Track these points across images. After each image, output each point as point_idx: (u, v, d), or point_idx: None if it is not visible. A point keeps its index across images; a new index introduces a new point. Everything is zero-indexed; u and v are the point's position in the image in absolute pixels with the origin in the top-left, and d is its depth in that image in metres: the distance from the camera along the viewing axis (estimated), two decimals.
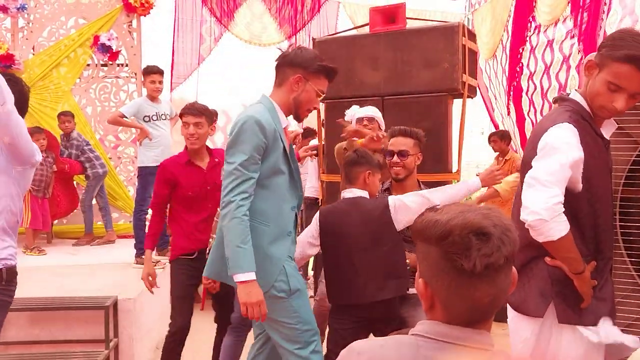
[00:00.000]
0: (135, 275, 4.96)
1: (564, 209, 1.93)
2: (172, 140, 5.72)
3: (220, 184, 2.94)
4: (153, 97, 5.46)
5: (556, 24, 6.20)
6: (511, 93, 7.24)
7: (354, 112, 4.05)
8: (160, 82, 5.47)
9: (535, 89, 6.69)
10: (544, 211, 1.90)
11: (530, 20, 6.76)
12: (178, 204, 3.57)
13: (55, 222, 6.74)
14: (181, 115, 3.58)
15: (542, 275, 2.11)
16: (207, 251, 3.44)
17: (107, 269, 5.23)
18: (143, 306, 4.46)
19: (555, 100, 2.22)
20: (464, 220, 1.11)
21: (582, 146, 2.00)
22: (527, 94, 6.90)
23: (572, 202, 2.03)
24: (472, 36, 4.76)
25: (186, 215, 3.56)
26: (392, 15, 4.76)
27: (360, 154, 3.06)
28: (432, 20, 5.37)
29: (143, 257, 5.29)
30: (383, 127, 3.99)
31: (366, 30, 5.04)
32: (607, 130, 2.15)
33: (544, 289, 2.11)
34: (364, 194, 2.99)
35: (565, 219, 1.92)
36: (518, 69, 7.04)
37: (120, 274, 5.00)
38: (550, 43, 6.34)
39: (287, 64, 2.66)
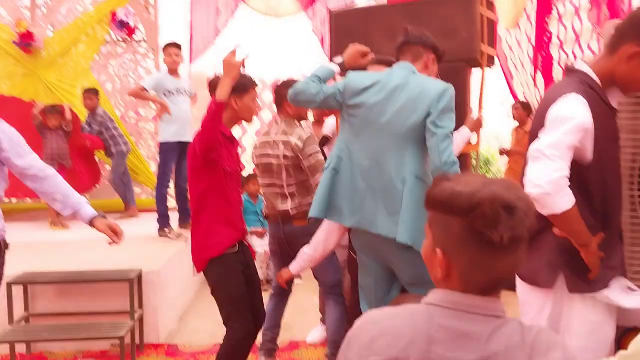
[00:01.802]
0: (159, 248, 5.06)
1: (571, 181, 1.92)
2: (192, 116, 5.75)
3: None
4: (173, 71, 5.47)
5: None
6: (539, 63, 7.10)
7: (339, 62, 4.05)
8: (178, 55, 5.43)
9: (568, 58, 6.56)
10: (547, 184, 1.88)
11: None
12: (215, 187, 3.07)
13: None
14: (249, 88, 3.16)
15: (550, 247, 2.11)
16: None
17: (130, 243, 5.25)
18: (167, 278, 4.55)
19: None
20: (492, 193, 1.12)
21: (592, 116, 1.97)
22: (559, 63, 6.76)
23: (582, 173, 2.02)
24: (490, 5, 4.69)
25: (223, 202, 3.08)
26: None
27: None
28: None
29: (166, 230, 5.41)
30: None
31: (384, 1, 5.00)
32: (612, 98, 2.11)
33: (553, 260, 2.11)
34: None
35: (570, 193, 1.91)
36: (546, 39, 6.89)
37: (144, 247, 5.09)
38: (577, 11, 6.21)
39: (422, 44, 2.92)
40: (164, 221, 5.47)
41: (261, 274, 5.65)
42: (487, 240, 1.11)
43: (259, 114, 8.03)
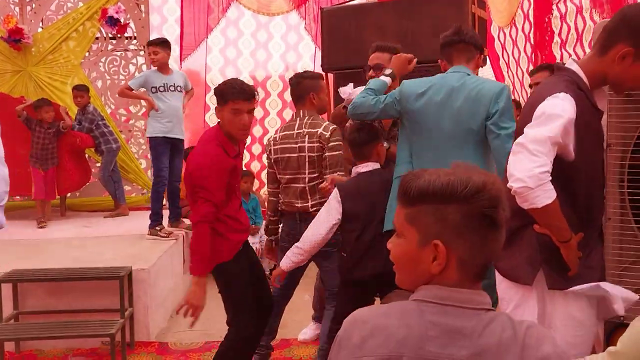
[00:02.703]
0: (149, 246, 5.05)
1: (555, 179, 1.93)
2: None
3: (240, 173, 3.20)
4: (161, 68, 5.43)
5: None
6: (539, 61, 7.09)
7: (349, 91, 4.06)
8: (155, 53, 5.36)
9: (570, 57, 6.55)
10: (529, 179, 1.90)
11: None
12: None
13: (69, 195, 6.83)
14: (228, 100, 2.93)
15: (530, 243, 2.13)
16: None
17: (120, 241, 5.31)
18: (157, 276, 4.54)
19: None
20: (484, 178, 1.17)
21: (578, 116, 1.99)
22: (562, 60, 6.75)
23: (567, 171, 2.03)
24: (481, 4, 4.71)
25: (224, 208, 3.01)
26: None
27: (365, 130, 3.13)
28: None
29: (157, 228, 5.38)
30: None
31: None
32: (598, 100, 2.13)
33: (533, 256, 2.12)
34: (377, 165, 3.12)
35: (552, 188, 1.92)
36: (547, 37, 6.89)
37: (134, 245, 5.08)
38: (580, 10, 6.21)
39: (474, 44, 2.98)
40: (156, 219, 5.45)
41: None
42: (488, 222, 1.16)
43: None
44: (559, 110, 1.98)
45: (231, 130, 2.99)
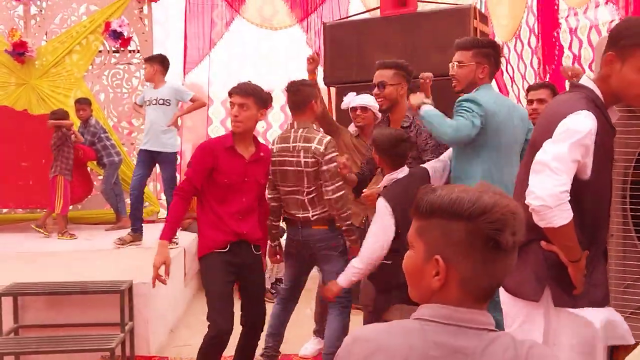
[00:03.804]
0: (150, 259, 5.00)
1: (569, 197, 1.94)
2: (185, 125, 5.77)
3: (261, 182, 3.37)
4: (152, 83, 5.56)
5: (597, 5, 6.08)
6: (547, 75, 7.09)
7: (349, 100, 4.11)
8: (144, 68, 5.56)
9: (585, 72, 6.54)
10: (549, 197, 1.90)
11: (557, 2, 6.64)
12: (210, 193, 3.27)
13: (70, 207, 6.83)
14: (229, 94, 3.31)
15: (537, 259, 2.12)
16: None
17: (121, 254, 5.30)
18: (158, 290, 4.51)
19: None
20: (496, 199, 1.14)
21: (597, 135, 2.00)
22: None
23: (579, 190, 2.03)
24: (484, 19, 4.74)
25: (216, 205, 3.27)
26: None
27: (408, 141, 3.20)
28: (443, 3, 5.33)
29: (123, 237, 5.46)
30: (379, 115, 4.05)
31: (377, 14, 5.03)
32: (612, 118, 2.15)
33: (540, 272, 2.12)
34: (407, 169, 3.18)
35: (569, 208, 1.93)
36: (557, 52, 6.89)
37: (135, 259, 5.06)
38: (594, 25, 6.21)
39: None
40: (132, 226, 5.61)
41: None
42: (493, 244, 1.13)
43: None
44: (582, 128, 1.99)
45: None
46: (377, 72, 3.52)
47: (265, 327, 3.62)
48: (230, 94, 3.28)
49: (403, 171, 3.12)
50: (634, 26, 2.02)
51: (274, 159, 3.55)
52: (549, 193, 1.91)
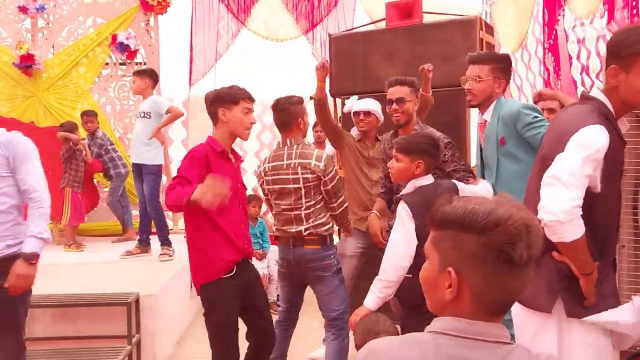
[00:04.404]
0: (156, 271, 5.03)
1: (581, 212, 1.92)
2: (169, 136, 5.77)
3: (245, 188, 3.24)
4: (141, 96, 5.62)
5: (602, 15, 6.08)
6: (558, 86, 7.08)
7: (352, 104, 4.14)
8: (132, 82, 5.65)
9: (593, 84, 6.52)
10: (561, 213, 1.89)
11: (561, 13, 6.64)
12: (204, 210, 2.87)
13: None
14: (239, 100, 3.11)
15: (549, 271, 2.11)
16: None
17: (128, 266, 5.29)
18: (165, 302, 4.51)
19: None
20: (510, 212, 1.13)
21: (608, 149, 2.00)
22: (583, 85, 6.71)
23: (590, 203, 2.01)
24: (489, 30, 4.74)
25: (217, 218, 2.97)
26: (408, 9, 4.75)
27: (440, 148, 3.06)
28: (448, 14, 5.34)
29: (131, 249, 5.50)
30: (381, 119, 4.08)
31: (383, 25, 5.04)
32: (623, 132, 2.14)
33: (551, 283, 2.10)
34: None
35: (581, 222, 1.91)
36: (569, 63, 6.87)
37: (141, 271, 5.06)
38: (602, 36, 6.21)
39: None
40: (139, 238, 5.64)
41: None
42: (505, 258, 1.12)
43: (260, 136, 8.04)
44: (594, 142, 1.97)
45: (238, 129, 3.14)
46: (394, 88, 3.59)
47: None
48: (247, 100, 3.12)
49: (428, 179, 2.92)
50: (634, 34, 2.02)
51: (266, 177, 3.51)
52: (561, 208, 1.89)
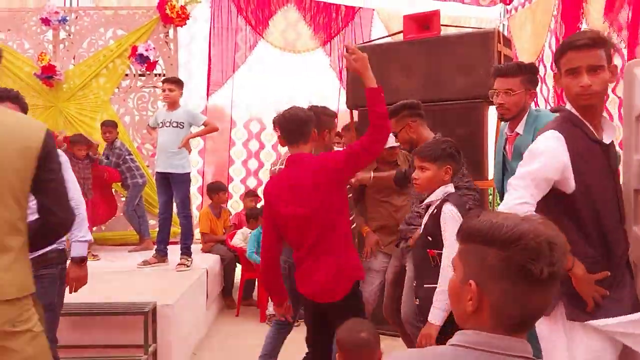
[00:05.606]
0: (173, 281, 5.04)
1: (562, 213, 2.08)
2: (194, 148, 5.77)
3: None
4: (170, 105, 5.49)
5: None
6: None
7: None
8: (171, 90, 5.42)
9: (608, 97, 6.48)
10: (506, 211, 1.91)
11: (579, 26, 6.61)
12: (345, 203, 2.90)
13: (94, 229, 6.89)
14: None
15: None
16: None
17: (144, 275, 5.32)
18: (181, 312, 4.52)
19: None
20: (534, 228, 1.13)
21: (570, 151, 2.09)
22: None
23: (570, 205, 2.12)
24: (507, 42, 4.72)
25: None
26: (426, 22, 4.75)
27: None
28: (466, 27, 5.34)
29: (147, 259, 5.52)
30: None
31: (400, 37, 5.04)
32: (608, 135, 2.20)
33: None
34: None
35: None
36: None
37: (158, 280, 5.07)
38: (619, 50, 6.18)
39: None
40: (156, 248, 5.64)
41: None
42: (526, 273, 1.11)
43: (278, 147, 8.06)
44: (542, 147, 2.12)
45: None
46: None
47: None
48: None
49: (450, 186, 2.84)
50: (562, 43, 2.19)
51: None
52: (505, 207, 2.05)
